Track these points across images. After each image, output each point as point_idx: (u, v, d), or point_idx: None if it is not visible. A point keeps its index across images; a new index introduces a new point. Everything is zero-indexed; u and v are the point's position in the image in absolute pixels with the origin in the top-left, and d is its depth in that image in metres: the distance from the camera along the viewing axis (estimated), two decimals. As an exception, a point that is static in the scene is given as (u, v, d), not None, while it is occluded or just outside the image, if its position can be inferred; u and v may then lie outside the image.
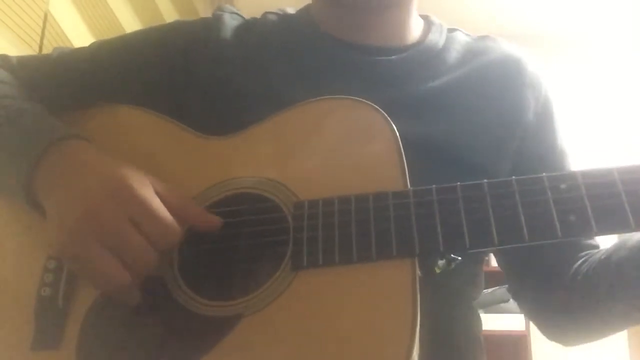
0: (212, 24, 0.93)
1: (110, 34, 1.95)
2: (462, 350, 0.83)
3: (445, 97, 0.86)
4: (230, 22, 0.94)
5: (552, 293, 0.86)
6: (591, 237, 0.76)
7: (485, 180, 0.63)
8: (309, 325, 0.62)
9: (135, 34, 0.98)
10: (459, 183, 0.64)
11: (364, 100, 0.73)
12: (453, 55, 0.92)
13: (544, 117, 0.92)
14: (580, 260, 0.85)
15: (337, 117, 0.74)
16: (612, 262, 0.77)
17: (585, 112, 3.40)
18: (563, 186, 0.60)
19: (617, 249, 0.77)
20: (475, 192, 0.63)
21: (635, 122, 3.38)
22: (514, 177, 0.63)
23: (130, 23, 2.19)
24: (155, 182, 0.71)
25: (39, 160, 0.74)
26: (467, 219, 0.62)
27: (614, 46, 3.58)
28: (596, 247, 0.88)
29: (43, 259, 0.75)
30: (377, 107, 0.72)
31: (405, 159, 0.68)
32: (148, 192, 0.68)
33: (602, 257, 0.80)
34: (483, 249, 0.64)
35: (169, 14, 2.55)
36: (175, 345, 0.68)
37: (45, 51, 1.63)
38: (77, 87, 0.91)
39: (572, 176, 0.61)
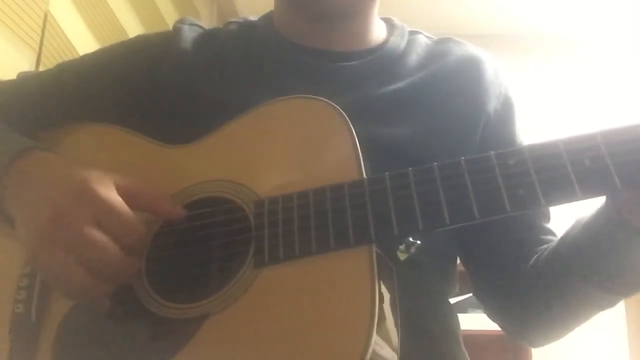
0: (172, 37, 0.95)
1: (110, 34, 1.98)
2: (439, 342, 0.83)
3: (405, 100, 0.87)
4: (189, 34, 0.96)
5: (513, 287, 0.86)
6: (540, 208, 0.77)
7: (435, 164, 0.64)
8: (269, 323, 0.63)
9: (97, 53, 1.00)
10: (410, 168, 0.65)
11: (316, 97, 0.74)
12: (414, 58, 0.93)
13: (504, 116, 0.93)
14: (539, 252, 0.85)
15: (292, 115, 0.76)
16: (568, 241, 0.77)
17: (586, 112, 3.39)
18: (511, 162, 0.61)
19: (571, 228, 0.77)
20: (426, 175, 0.64)
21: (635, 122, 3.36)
22: (463, 157, 0.64)
23: (130, 23, 2.20)
24: (120, 178, 0.72)
25: (5, 173, 0.76)
26: (419, 201, 0.63)
27: (614, 46, 3.57)
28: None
29: (16, 277, 0.76)
30: (329, 101, 0.73)
31: (368, 162, 0.69)
32: (109, 191, 0.69)
33: (559, 239, 0.81)
34: (436, 229, 0.63)
35: (169, 14, 2.57)
36: (145, 351, 0.69)
37: (45, 51, 1.65)
38: (41, 109, 0.93)
39: (520, 151, 0.62)
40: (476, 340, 0.91)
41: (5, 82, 1.00)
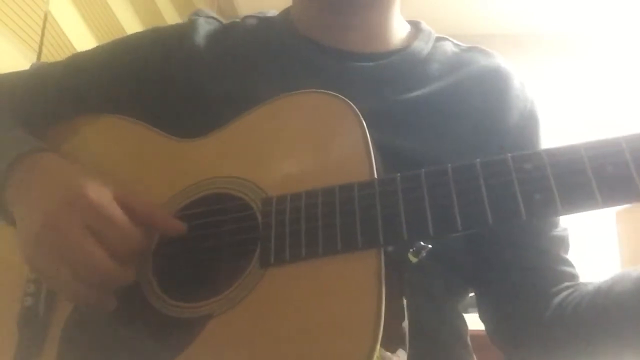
0: (187, 30, 0.93)
1: (110, 34, 1.97)
2: (447, 347, 0.81)
3: (421, 110, 0.84)
4: (205, 27, 0.94)
5: (527, 320, 0.82)
6: (557, 215, 0.74)
7: (449, 165, 0.62)
8: (273, 324, 0.62)
9: (111, 45, 0.98)
10: (423, 170, 0.63)
11: (329, 92, 0.72)
12: (435, 66, 0.90)
13: (527, 131, 0.89)
14: (567, 291, 0.80)
15: (303, 111, 0.74)
16: (613, 297, 0.71)
17: (586, 112, 3.39)
18: (528, 166, 0.58)
19: (618, 280, 0.71)
20: (439, 178, 0.62)
21: (635, 122, 3.37)
22: (478, 160, 0.61)
23: (130, 23, 2.20)
24: (118, 189, 0.71)
25: (9, 174, 0.75)
26: (430, 205, 0.61)
27: (614, 46, 3.57)
28: (576, 276, 0.84)
29: (26, 270, 0.76)
30: (343, 97, 0.71)
31: (380, 164, 0.67)
32: (105, 200, 0.68)
33: (600, 289, 0.74)
34: (447, 234, 0.60)
35: (169, 14, 2.56)
36: (150, 349, 0.68)
37: (45, 51, 1.64)
38: (54, 101, 0.92)
39: (538, 155, 0.59)
40: (477, 340, 0.89)
41: (16, 73, 0.98)
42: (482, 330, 0.89)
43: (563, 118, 3.29)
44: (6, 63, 1.46)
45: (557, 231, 0.86)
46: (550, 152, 0.59)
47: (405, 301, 0.64)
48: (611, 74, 3.49)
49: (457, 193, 0.60)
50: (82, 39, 1.84)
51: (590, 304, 0.75)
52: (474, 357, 0.86)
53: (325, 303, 0.61)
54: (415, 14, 0.98)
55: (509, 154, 0.60)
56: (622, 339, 0.70)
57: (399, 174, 0.64)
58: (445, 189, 0.61)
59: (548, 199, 0.57)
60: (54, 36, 1.70)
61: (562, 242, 0.86)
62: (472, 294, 0.92)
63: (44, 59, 1.62)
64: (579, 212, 0.57)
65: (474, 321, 0.92)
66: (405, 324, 0.63)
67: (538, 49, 3.51)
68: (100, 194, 0.68)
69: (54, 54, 1.66)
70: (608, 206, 0.56)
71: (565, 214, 0.58)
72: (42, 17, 1.64)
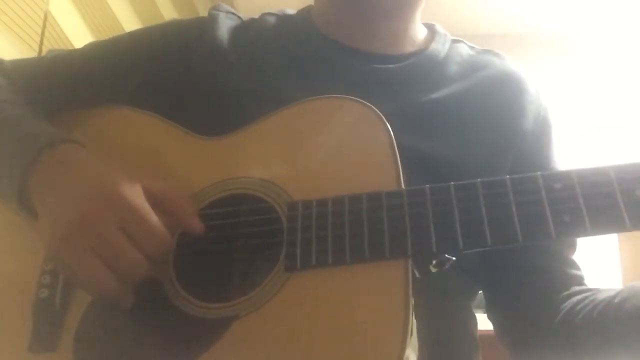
0: (208, 23, 0.92)
1: (110, 34, 1.96)
2: (459, 348, 0.82)
3: (441, 111, 0.85)
4: (226, 22, 0.93)
5: (536, 323, 0.83)
6: (585, 236, 0.75)
7: (479, 180, 0.63)
8: (301, 327, 0.62)
9: (131, 34, 0.98)
10: (452, 183, 0.64)
11: (359, 100, 0.72)
12: (453, 68, 0.91)
13: (541, 138, 0.91)
14: (577, 298, 0.81)
15: (332, 116, 0.74)
16: (625, 311, 0.71)
17: (586, 112, 3.40)
18: (558, 185, 0.59)
19: (631, 296, 0.71)
20: (468, 192, 0.62)
21: (635, 122, 3.37)
22: (508, 176, 0.62)
23: (130, 23, 2.19)
24: (149, 181, 0.70)
25: (31, 165, 0.74)
26: (460, 219, 0.61)
27: (615, 46, 3.57)
28: (583, 278, 0.85)
29: (41, 261, 0.75)
30: (371, 105, 0.71)
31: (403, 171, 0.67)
32: (138, 197, 0.67)
33: (611, 302, 0.74)
34: (476, 249, 0.62)
35: (169, 14, 2.56)
36: (171, 348, 0.68)
37: (45, 51, 1.64)
38: (71, 88, 0.91)
39: (567, 175, 0.60)
40: (486, 340, 0.91)
41: (35, 59, 0.97)
42: (481, 330, 0.90)
43: (563, 118, 3.29)
44: (6, 63, 1.45)
45: None
46: (579, 173, 0.60)
47: (425, 308, 0.65)
48: (611, 74, 3.50)
49: (486, 208, 0.61)
50: (82, 39, 1.84)
51: (602, 316, 0.75)
52: (480, 354, 0.87)
53: (352, 310, 0.61)
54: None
55: (539, 172, 0.61)
56: (630, 352, 0.71)
57: (427, 186, 0.64)
58: (475, 204, 0.62)
59: (577, 219, 0.58)
60: (54, 36, 1.70)
61: (570, 245, 0.88)
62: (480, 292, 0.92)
63: (58, 49, 1.62)
64: (607, 233, 0.58)
65: (480, 321, 0.93)
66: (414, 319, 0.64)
67: (538, 49, 3.51)
68: (134, 193, 0.68)
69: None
70: (636, 229, 0.57)
71: (593, 235, 0.59)
72: (42, 17, 1.64)
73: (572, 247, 0.88)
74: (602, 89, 3.47)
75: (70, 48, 1.71)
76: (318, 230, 0.65)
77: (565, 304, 0.81)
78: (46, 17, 1.66)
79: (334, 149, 0.72)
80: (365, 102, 0.72)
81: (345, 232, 0.64)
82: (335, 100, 0.74)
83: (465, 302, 0.87)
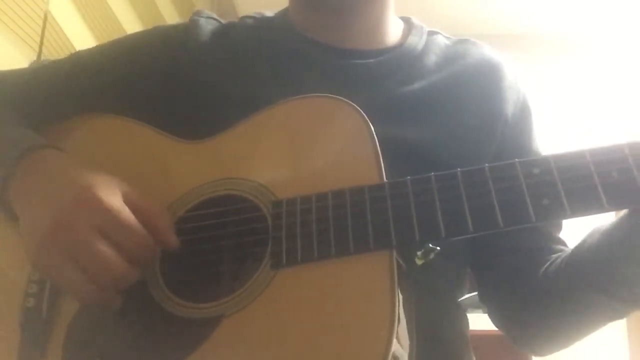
0: (189, 29, 0.94)
1: (110, 34, 1.97)
2: (450, 345, 0.83)
3: (422, 101, 0.86)
4: (206, 27, 0.95)
5: (522, 294, 0.85)
6: (565, 219, 0.76)
7: (459, 169, 0.63)
8: (287, 323, 0.63)
9: (114, 43, 0.98)
10: (433, 173, 0.64)
11: (338, 97, 0.73)
12: (432, 58, 0.92)
13: (521, 122, 0.92)
14: (550, 261, 0.83)
15: (312, 114, 0.75)
16: (584, 249, 0.75)
17: (586, 112, 3.40)
18: (536, 171, 0.60)
19: (588, 236, 0.75)
20: (449, 181, 0.63)
21: (635, 122, 3.37)
22: (487, 164, 0.63)
23: (130, 23, 2.20)
24: (128, 190, 0.71)
25: (11, 170, 0.74)
26: (441, 208, 0.62)
27: (615, 46, 3.57)
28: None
29: (27, 270, 0.75)
30: (351, 103, 0.72)
31: (385, 164, 0.68)
32: (116, 201, 0.67)
33: (574, 248, 0.79)
34: (459, 237, 0.63)
35: (169, 14, 2.56)
36: (160, 350, 0.68)
37: (45, 51, 1.65)
38: (55, 99, 0.92)
39: (545, 160, 0.61)
40: (476, 340, 0.91)
41: (16, 71, 0.98)
42: (481, 330, 0.91)
43: (563, 118, 3.29)
44: (6, 63, 1.46)
45: None
46: (557, 157, 0.61)
47: (412, 299, 0.65)
48: (611, 74, 3.50)
49: (467, 196, 0.62)
50: (82, 39, 1.84)
51: (567, 263, 0.78)
52: (473, 354, 0.88)
53: (339, 304, 0.62)
54: (415, 14, 1.00)
55: (517, 159, 0.62)
56: (600, 291, 0.73)
57: (409, 178, 0.65)
58: (456, 193, 0.63)
59: (556, 203, 0.59)
60: (54, 36, 1.70)
61: (555, 223, 0.89)
62: (470, 295, 0.93)
63: (44, 59, 1.62)
64: (586, 215, 0.59)
65: (472, 321, 0.93)
66: (414, 320, 0.65)
67: (538, 49, 3.51)
68: (110, 195, 0.68)
69: (54, 54, 1.66)
70: (614, 210, 0.59)
71: (573, 217, 0.60)
72: (42, 17, 1.64)
73: (558, 225, 0.90)
74: (601, 89, 3.47)
75: (70, 48, 1.72)
76: (303, 227, 0.66)
77: (543, 268, 0.83)
78: (46, 17, 1.65)
79: (316, 146, 0.73)
80: (343, 99, 0.72)
81: (330, 226, 0.65)
82: (314, 99, 0.75)
83: (454, 299, 0.88)
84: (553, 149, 0.93)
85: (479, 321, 0.92)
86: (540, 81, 3.39)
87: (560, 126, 3.16)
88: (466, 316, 0.90)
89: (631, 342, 3.09)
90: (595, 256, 0.72)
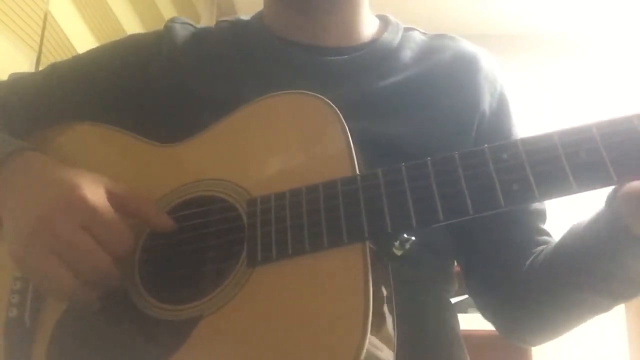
0: (163, 36, 0.95)
1: (110, 34, 1.98)
2: (437, 341, 0.82)
3: (399, 96, 0.86)
4: (181, 32, 0.95)
5: (508, 287, 0.85)
6: (534, 202, 0.75)
7: (429, 159, 0.63)
8: (264, 321, 0.63)
9: (89, 53, 0.99)
10: (403, 164, 0.64)
11: (309, 92, 0.73)
12: (408, 54, 0.92)
13: (499, 112, 0.92)
14: (535, 254, 0.84)
15: (284, 112, 0.75)
16: (565, 244, 0.76)
17: (586, 112, 3.39)
18: (504, 156, 0.60)
19: (569, 231, 0.76)
20: (420, 170, 0.63)
21: (630, 113, 3.36)
22: (456, 152, 0.63)
23: (130, 23, 2.21)
24: (112, 185, 0.71)
25: None
26: (412, 197, 0.62)
27: (615, 46, 3.57)
28: (551, 242, 0.86)
29: (10, 281, 0.76)
30: (321, 97, 0.72)
31: (362, 159, 0.68)
32: (98, 198, 0.68)
33: (556, 242, 0.79)
34: (430, 225, 0.62)
35: (169, 14, 2.57)
36: (140, 354, 0.68)
37: (45, 51, 1.65)
38: (33, 110, 0.92)
39: (514, 144, 0.60)
40: (476, 340, 0.90)
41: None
42: (480, 330, 0.90)
43: (563, 118, 3.29)
44: (6, 63, 1.47)
45: (534, 205, 0.88)
46: (525, 141, 0.61)
47: (388, 289, 0.65)
48: (611, 74, 3.49)
49: (437, 185, 0.62)
50: (82, 39, 1.85)
51: (549, 260, 0.79)
52: (465, 351, 0.87)
53: (314, 298, 0.62)
54: (415, 14, 1.01)
55: (486, 145, 0.62)
56: (580, 287, 0.74)
57: (380, 169, 0.65)
58: (426, 182, 0.62)
59: (525, 187, 0.59)
60: (54, 36, 1.71)
61: (539, 214, 0.89)
62: (466, 296, 0.92)
63: (43, 59, 1.63)
64: (556, 197, 0.59)
65: (472, 321, 0.92)
66: (394, 313, 0.64)
67: (538, 49, 3.51)
68: (94, 194, 0.68)
69: (54, 54, 1.67)
70: (583, 191, 0.58)
71: (543, 200, 0.61)
72: (42, 17, 1.65)
73: (541, 217, 0.90)
74: (602, 89, 3.46)
75: (70, 48, 1.73)
76: (277, 223, 0.66)
77: (527, 260, 0.83)
78: (46, 17, 1.66)
79: (290, 142, 0.73)
80: (317, 95, 0.72)
81: (304, 222, 0.65)
82: (287, 96, 0.75)
83: (441, 294, 0.88)
84: (518, 130, 0.93)
85: (478, 321, 0.92)
86: (540, 81, 3.39)
87: (560, 126, 3.15)
88: (456, 313, 0.89)
89: (630, 338, 3.09)
90: (574, 251, 0.74)
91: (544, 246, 0.85)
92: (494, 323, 0.91)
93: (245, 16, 1.01)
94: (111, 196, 0.70)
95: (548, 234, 0.88)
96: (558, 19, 3.50)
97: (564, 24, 3.52)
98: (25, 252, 0.67)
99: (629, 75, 3.44)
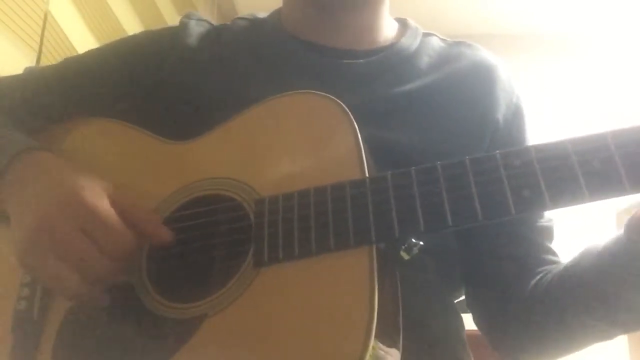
0: (178, 32, 0.94)
1: (110, 34, 1.98)
2: (442, 344, 0.82)
3: (413, 103, 0.85)
4: (196, 29, 0.95)
5: (511, 305, 0.83)
6: (545, 210, 0.74)
7: (439, 163, 0.63)
8: (268, 322, 0.62)
9: (103, 48, 0.99)
10: (413, 168, 0.63)
11: (320, 93, 0.73)
12: (425, 60, 0.91)
13: (514, 123, 0.91)
14: (541, 274, 0.82)
15: (296, 112, 0.74)
16: (576, 270, 0.74)
17: (586, 112, 3.39)
18: (517, 162, 0.59)
19: (580, 256, 0.74)
20: (429, 175, 0.62)
21: (636, 122, 3.36)
22: (467, 157, 0.62)
23: (130, 23, 2.20)
24: (114, 192, 0.71)
25: (3, 172, 0.76)
26: (421, 202, 0.61)
27: (615, 46, 3.57)
28: (557, 262, 0.85)
29: (19, 274, 0.76)
30: (333, 97, 0.71)
31: (370, 161, 0.68)
32: (100, 201, 0.68)
33: (567, 267, 0.77)
34: (438, 231, 0.62)
35: (169, 14, 2.57)
36: (145, 351, 0.68)
37: (45, 51, 1.65)
38: (46, 104, 0.93)
39: (526, 151, 0.59)
40: (476, 340, 0.90)
41: (10, 77, 0.99)
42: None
43: (563, 118, 3.29)
44: (6, 63, 1.47)
45: (543, 222, 0.88)
46: (538, 148, 0.60)
47: (399, 295, 0.65)
48: (611, 74, 3.49)
49: (447, 190, 0.61)
50: (82, 39, 1.85)
51: (559, 282, 0.77)
52: (470, 353, 0.87)
53: (320, 301, 0.62)
54: (415, 15, 0.99)
55: (497, 151, 0.61)
56: (591, 314, 0.72)
57: (390, 172, 0.64)
58: (435, 186, 0.62)
59: (536, 194, 0.58)
60: (54, 36, 1.71)
61: (547, 232, 0.88)
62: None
63: (44, 59, 1.63)
64: (567, 206, 0.58)
65: (472, 321, 0.92)
66: (400, 317, 0.64)
67: (538, 49, 3.51)
68: (96, 197, 0.69)
69: (54, 54, 1.67)
70: (595, 200, 0.56)
71: (554, 209, 0.58)
72: (42, 17, 1.65)
73: (549, 235, 0.88)
74: (602, 89, 3.46)
75: (70, 48, 1.73)
76: (285, 224, 0.66)
77: (532, 281, 0.82)
78: (46, 17, 1.66)
79: (299, 143, 0.72)
80: (328, 95, 0.72)
81: (312, 223, 0.64)
82: (298, 96, 0.75)
83: (446, 299, 0.87)
84: (531, 142, 0.92)
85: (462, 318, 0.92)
86: (540, 81, 3.39)
87: (559, 126, 3.16)
88: (461, 317, 0.88)
89: (631, 342, 3.09)
90: (586, 278, 0.72)
91: (551, 266, 0.83)
92: (486, 334, 0.90)
93: (262, 14, 0.99)
94: (114, 203, 0.70)
95: (555, 254, 0.87)
96: (558, 19, 3.50)
97: (564, 24, 3.52)
98: (26, 250, 0.68)
99: (629, 75, 3.44)
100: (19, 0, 1.53)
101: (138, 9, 2.28)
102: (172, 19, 2.57)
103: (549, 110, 3.30)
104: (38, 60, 1.61)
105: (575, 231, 0.86)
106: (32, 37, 1.60)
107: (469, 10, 3.43)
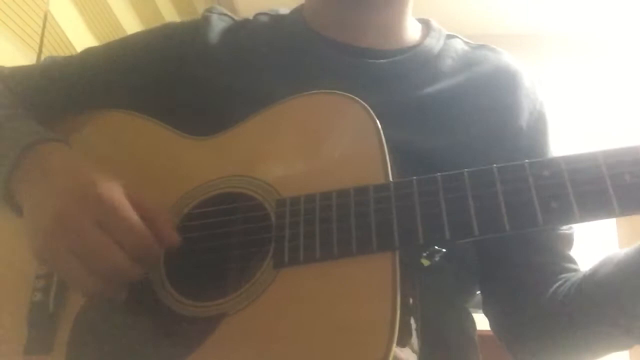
0: (200, 26, 0.93)
1: (110, 34, 1.96)
2: (457, 349, 0.81)
3: (435, 106, 0.84)
4: (218, 23, 0.94)
5: (529, 312, 0.83)
6: (573, 223, 0.75)
7: (466, 170, 0.62)
8: (287, 324, 0.62)
9: (125, 40, 0.98)
10: (439, 174, 0.63)
11: (346, 94, 0.72)
12: (448, 62, 0.90)
13: (536, 130, 0.90)
14: (560, 282, 0.81)
15: (319, 112, 0.74)
16: (597, 279, 0.73)
17: (587, 112, 3.40)
18: (546, 173, 0.58)
19: (601, 265, 0.73)
20: (455, 182, 0.61)
21: (637, 122, 3.37)
22: (495, 165, 0.61)
23: (130, 23, 2.19)
24: (128, 191, 0.70)
25: (17, 163, 0.74)
26: (447, 210, 0.60)
27: (617, 46, 3.57)
28: (577, 270, 0.85)
29: (35, 265, 0.75)
30: (357, 99, 0.71)
31: (393, 164, 0.67)
32: (117, 196, 0.67)
33: (586, 275, 0.77)
34: (464, 240, 0.61)
35: (169, 14, 2.55)
36: (162, 347, 0.68)
37: (45, 51, 1.64)
38: (67, 94, 0.91)
39: (556, 162, 0.59)
40: (481, 340, 0.90)
41: (31, 66, 0.98)
42: (481, 330, 0.90)
43: (565, 118, 3.28)
44: (6, 63, 1.45)
45: (563, 229, 0.87)
46: (568, 159, 0.59)
47: (413, 298, 0.64)
48: (614, 74, 3.49)
49: (473, 198, 0.60)
50: (82, 39, 1.84)
51: (577, 290, 0.76)
52: (480, 356, 0.87)
53: (340, 305, 0.61)
54: (415, 14, 0.98)
55: (526, 161, 0.60)
56: (609, 322, 0.72)
57: (415, 177, 0.63)
58: (461, 194, 0.61)
59: (565, 206, 0.57)
60: (54, 36, 1.70)
61: (567, 240, 0.87)
62: (478, 292, 0.92)
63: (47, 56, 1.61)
64: (596, 220, 0.57)
65: (479, 321, 0.92)
66: (419, 323, 0.63)
67: (539, 49, 3.50)
68: (112, 191, 0.67)
69: (54, 54, 1.65)
70: (625, 215, 0.56)
71: (582, 222, 0.58)
72: (42, 17, 1.64)
73: (569, 243, 0.87)
74: (602, 89, 3.47)
75: (70, 48, 1.72)
76: (306, 226, 0.65)
77: (551, 289, 0.81)
78: (46, 17, 1.65)
79: (322, 144, 0.71)
80: (352, 96, 0.71)
81: (333, 226, 0.64)
82: (322, 96, 0.74)
83: (463, 303, 0.87)
84: (553, 149, 0.92)
85: (485, 321, 0.92)
86: (540, 81, 3.38)
87: (559, 126, 3.15)
88: (474, 320, 0.88)
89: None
90: (608, 288, 0.71)
91: (570, 274, 0.83)
92: (502, 340, 0.89)
93: (284, 10, 0.98)
94: (128, 197, 0.68)
95: (574, 262, 0.86)
96: (558, 19, 3.50)
97: (564, 24, 3.52)
98: (42, 244, 0.66)
99: (630, 75, 3.44)
100: (19, 0, 1.52)
101: (138, 9, 2.27)
102: (172, 19, 2.55)
103: (549, 110, 3.30)
104: (38, 60, 1.60)
105: (576, 235, 0.86)
106: (32, 37, 1.59)
107: (470, 10, 3.42)
